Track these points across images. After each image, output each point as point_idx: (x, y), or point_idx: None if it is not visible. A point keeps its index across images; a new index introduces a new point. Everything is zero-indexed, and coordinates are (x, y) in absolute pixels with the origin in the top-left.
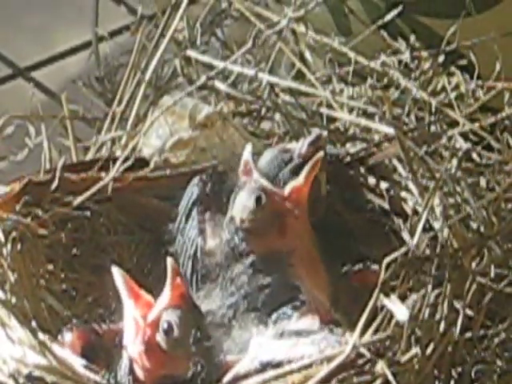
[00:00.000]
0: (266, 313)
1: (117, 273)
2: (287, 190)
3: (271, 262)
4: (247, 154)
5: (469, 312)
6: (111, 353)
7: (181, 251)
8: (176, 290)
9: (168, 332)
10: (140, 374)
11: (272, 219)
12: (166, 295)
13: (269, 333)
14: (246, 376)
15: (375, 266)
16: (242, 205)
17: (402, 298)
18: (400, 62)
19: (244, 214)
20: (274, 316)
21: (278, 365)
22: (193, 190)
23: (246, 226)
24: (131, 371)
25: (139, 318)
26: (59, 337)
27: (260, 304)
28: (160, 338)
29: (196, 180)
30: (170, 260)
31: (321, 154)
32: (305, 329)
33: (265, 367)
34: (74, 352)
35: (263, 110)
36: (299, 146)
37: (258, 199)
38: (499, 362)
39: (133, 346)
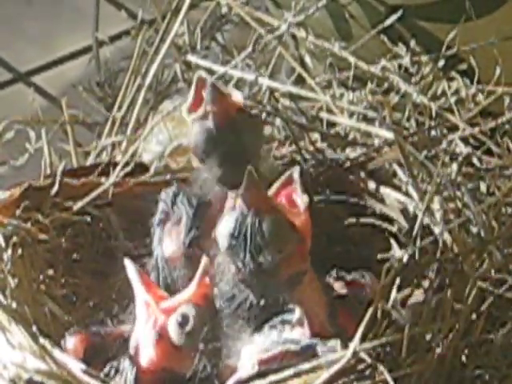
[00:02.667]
0: (259, 323)
1: (128, 263)
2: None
3: (289, 284)
4: (253, 180)
5: (469, 317)
6: (114, 355)
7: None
8: (201, 288)
9: (181, 324)
10: (144, 363)
11: (298, 242)
12: (191, 290)
13: (260, 341)
14: (246, 381)
15: (368, 277)
16: (277, 237)
17: (403, 303)
18: (400, 66)
19: (283, 245)
20: (267, 326)
21: (276, 371)
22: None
23: (282, 255)
24: (135, 362)
25: (151, 302)
26: (62, 342)
27: (252, 316)
28: (173, 328)
29: (162, 194)
30: (204, 258)
31: (297, 168)
32: (296, 339)
33: (265, 373)
34: (76, 356)
35: (263, 115)
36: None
37: (291, 226)
38: (500, 367)
39: (143, 331)
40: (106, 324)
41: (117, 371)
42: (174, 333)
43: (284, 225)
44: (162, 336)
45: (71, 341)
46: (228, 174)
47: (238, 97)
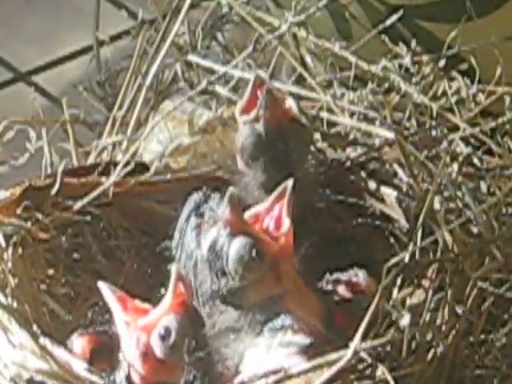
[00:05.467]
0: (261, 325)
1: (102, 286)
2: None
3: (266, 306)
4: (232, 201)
5: (470, 317)
6: (118, 356)
7: (182, 265)
8: (177, 298)
9: (164, 338)
10: (136, 379)
11: (270, 269)
12: (167, 302)
13: (262, 343)
14: (246, 382)
15: (362, 275)
16: (240, 261)
17: (403, 303)
18: (401, 66)
19: (246, 272)
20: (268, 328)
21: (276, 372)
22: (189, 205)
23: (245, 282)
24: (128, 377)
25: (131, 321)
26: (68, 343)
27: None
28: (155, 343)
29: (193, 196)
30: (174, 266)
31: (290, 181)
32: (298, 341)
33: (264, 374)
34: (82, 356)
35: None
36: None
37: (258, 252)
38: (500, 367)
39: (128, 350)
40: (113, 324)
41: (113, 383)
42: (157, 348)
43: (250, 253)
44: (146, 353)
45: (78, 342)
46: (271, 180)
47: (291, 105)
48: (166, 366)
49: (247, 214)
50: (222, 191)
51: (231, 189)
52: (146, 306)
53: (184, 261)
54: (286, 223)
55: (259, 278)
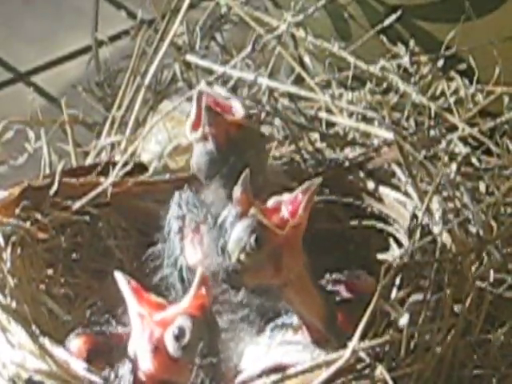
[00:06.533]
0: (261, 324)
1: (118, 275)
2: (288, 224)
3: (264, 293)
4: (244, 182)
5: (468, 316)
6: (118, 355)
7: (168, 273)
8: (197, 300)
9: (178, 337)
10: (141, 374)
11: (269, 258)
12: (187, 301)
13: (262, 342)
14: (246, 381)
15: (365, 275)
16: (238, 243)
17: (402, 303)
18: (399, 66)
19: (242, 255)
20: (269, 327)
21: (275, 371)
22: (171, 210)
23: (242, 266)
24: (133, 371)
25: (146, 314)
26: (65, 343)
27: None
28: (169, 341)
29: (173, 199)
30: (200, 268)
31: (318, 181)
32: (298, 340)
33: (262, 373)
34: (79, 356)
35: (263, 115)
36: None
37: (258, 239)
38: (499, 367)
39: (139, 343)
40: (111, 324)
41: (116, 376)
42: (170, 345)
43: (249, 237)
44: (158, 348)
45: (75, 342)
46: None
47: (237, 109)
48: (176, 364)
49: (271, 201)
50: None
51: (247, 170)
52: (161, 300)
53: (169, 268)
54: (299, 216)
55: (256, 266)
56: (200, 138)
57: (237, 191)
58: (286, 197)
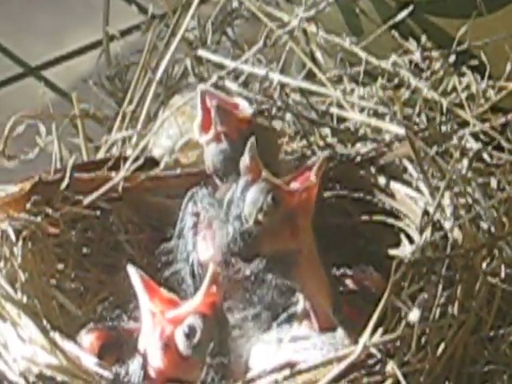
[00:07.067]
0: (267, 321)
1: (131, 270)
2: (299, 188)
3: (280, 262)
4: (252, 150)
5: (479, 312)
6: (129, 351)
7: (180, 268)
8: (209, 297)
9: (189, 336)
10: (151, 371)
11: (285, 219)
12: (198, 299)
13: (271, 340)
14: (255, 378)
15: (370, 270)
16: (255, 204)
17: (413, 299)
18: (411, 61)
19: (260, 215)
20: (275, 323)
21: (285, 367)
22: (185, 206)
23: (260, 226)
24: (144, 367)
25: (157, 312)
26: (77, 338)
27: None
28: (179, 339)
29: (188, 196)
30: (212, 265)
31: (326, 153)
32: (305, 335)
33: (273, 371)
34: (91, 351)
35: (274, 110)
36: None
37: (274, 198)
38: (510, 363)
39: (149, 340)
40: (122, 319)
41: (126, 372)
42: (181, 343)
43: (266, 197)
44: (169, 346)
45: (87, 337)
46: None
47: (245, 107)
48: (186, 362)
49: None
50: (214, 187)
51: (252, 139)
52: (173, 296)
53: (182, 263)
54: (312, 179)
55: (274, 227)
56: (212, 139)
57: (245, 159)
58: (292, 174)
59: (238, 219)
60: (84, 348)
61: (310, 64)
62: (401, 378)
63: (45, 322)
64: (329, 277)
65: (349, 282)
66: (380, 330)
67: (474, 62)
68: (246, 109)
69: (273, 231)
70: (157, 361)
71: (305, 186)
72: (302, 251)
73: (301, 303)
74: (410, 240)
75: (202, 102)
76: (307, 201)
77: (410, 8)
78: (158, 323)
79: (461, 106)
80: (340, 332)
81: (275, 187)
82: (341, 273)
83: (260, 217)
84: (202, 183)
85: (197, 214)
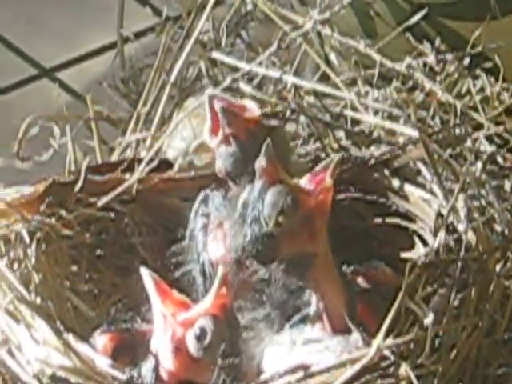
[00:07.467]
0: (278, 322)
1: (144, 272)
2: (316, 190)
3: (297, 265)
4: (268, 151)
5: (493, 315)
6: (141, 352)
7: (191, 268)
8: (219, 299)
9: (200, 338)
10: (163, 373)
11: (304, 221)
12: (208, 302)
13: (283, 342)
14: (268, 380)
15: (382, 266)
16: (275, 206)
17: (426, 301)
18: (425, 64)
19: (280, 217)
20: (287, 325)
21: (299, 369)
22: (196, 207)
23: (280, 228)
24: (156, 369)
25: (168, 315)
26: (91, 339)
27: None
28: (190, 341)
29: (199, 197)
30: (220, 268)
31: (339, 155)
32: (318, 337)
33: (286, 373)
34: (105, 353)
35: (288, 112)
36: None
37: (293, 200)
38: None
39: (161, 342)
40: (135, 321)
41: (139, 374)
42: (192, 346)
43: (285, 199)
44: (179, 349)
45: (101, 339)
46: None
47: (252, 108)
48: (197, 364)
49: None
50: (226, 189)
51: (268, 140)
52: (185, 298)
53: (193, 264)
54: (328, 181)
55: (293, 229)
56: (221, 142)
57: (261, 161)
58: (306, 176)
59: (257, 222)
60: (97, 350)
61: (324, 66)
62: (414, 381)
63: (58, 323)
64: (342, 278)
65: (362, 280)
66: (393, 333)
67: (488, 65)
68: (253, 110)
69: (291, 234)
70: (168, 363)
71: (321, 187)
72: (318, 253)
73: (313, 305)
74: (424, 242)
75: (211, 107)
76: (324, 203)
77: (425, 11)
78: (170, 326)
79: (475, 108)
80: (354, 334)
81: (294, 189)
82: (353, 270)
83: (280, 219)
84: (214, 185)
85: (207, 215)
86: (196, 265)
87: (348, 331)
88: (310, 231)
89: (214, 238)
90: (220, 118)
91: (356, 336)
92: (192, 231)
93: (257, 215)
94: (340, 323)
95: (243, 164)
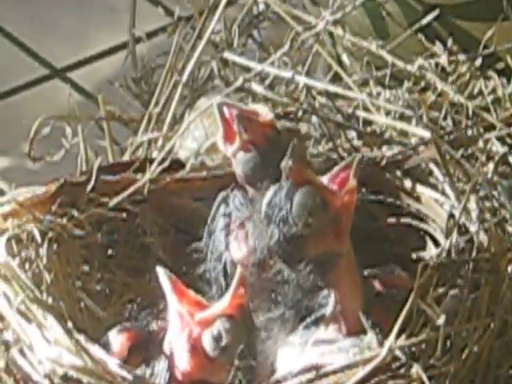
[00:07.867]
0: (292, 322)
1: (161, 271)
2: (342, 191)
3: (322, 265)
4: (295, 153)
5: (505, 316)
6: (155, 351)
7: (211, 267)
8: (236, 300)
9: (217, 339)
10: (178, 372)
11: (332, 222)
12: (225, 302)
13: (296, 342)
14: (281, 380)
15: (398, 270)
16: (304, 207)
17: (438, 302)
18: (437, 65)
19: (310, 217)
20: (301, 326)
21: (311, 371)
22: (217, 207)
23: (309, 229)
24: (169, 368)
25: (185, 314)
26: (106, 338)
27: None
28: (207, 342)
29: (219, 197)
30: (239, 269)
31: (359, 155)
32: (331, 338)
33: (298, 373)
34: (121, 352)
35: (300, 113)
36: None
37: (322, 201)
38: None
39: (177, 341)
40: (150, 320)
41: (152, 373)
42: (208, 346)
43: (315, 199)
44: (196, 348)
45: (118, 338)
46: None
47: (264, 112)
48: (213, 364)
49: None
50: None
51: (295, 140)
52: (200, 298)
53: (213, 263)
54: (352, 182)
55: (321, 229)
56: (238, 149)
57: (287, 162)
58: (326, 177)
59: (285, 222)
60: (113, 349)
61: (336, 67)
62: (426, 381)
63: (70, 323)
64: (362, 279)
65: (377, 284)
66: (405, 333)
67: (500, 66)
68: (266, 114)
69: (319, 234)
70: (183, 362)
71: (347, 188)
72: (342, 254)
73: (330, 305)
74: (436, 243)
75: (221, 115)
76: (349, 203)
77: (437, 11)
78: (186, 325)
79: (487, 109)
80: (368, 335)
81: (321, 190)
82: (368, 273)
83: (310, 220)
84: (233, 185)
85: (229, 215)
86: (218, 264)
87: (363, 332)
88: (336, 232)
89: (236, 237)
90: (236, 126)
91: (370, 337)
92: (212, 231)
93: (285, 216)
94: (355, 324)
95: (263, 168)
